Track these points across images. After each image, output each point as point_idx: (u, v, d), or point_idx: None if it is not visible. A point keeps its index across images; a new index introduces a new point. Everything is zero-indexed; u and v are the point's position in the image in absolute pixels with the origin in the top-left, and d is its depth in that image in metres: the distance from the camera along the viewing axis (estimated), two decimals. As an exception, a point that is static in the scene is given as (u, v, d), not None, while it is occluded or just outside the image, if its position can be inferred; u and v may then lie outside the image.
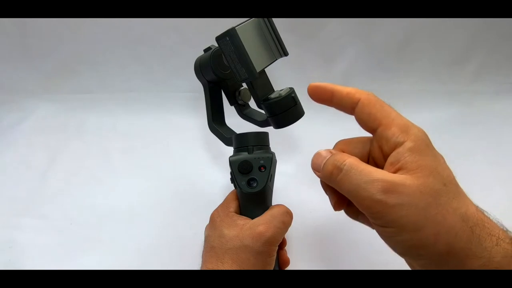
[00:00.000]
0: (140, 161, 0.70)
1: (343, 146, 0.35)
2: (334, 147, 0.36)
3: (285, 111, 0.41)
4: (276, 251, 0.43)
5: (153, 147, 0.73)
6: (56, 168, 0.69)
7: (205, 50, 0.50)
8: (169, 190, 0.65)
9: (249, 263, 0.40)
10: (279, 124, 0.43)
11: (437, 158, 0.30)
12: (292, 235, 0.53)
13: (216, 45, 0.41)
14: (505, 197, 0.62)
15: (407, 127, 0.30)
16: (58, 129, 0.76)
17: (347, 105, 0.33)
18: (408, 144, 0.29)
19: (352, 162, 0.31)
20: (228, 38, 0.38)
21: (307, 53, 0.74)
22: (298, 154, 0.71)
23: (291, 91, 0.42)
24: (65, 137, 0.75)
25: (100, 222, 0.61)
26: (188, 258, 0.56)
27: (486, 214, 0.30)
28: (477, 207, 0.30)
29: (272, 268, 0.43)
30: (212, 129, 0.52)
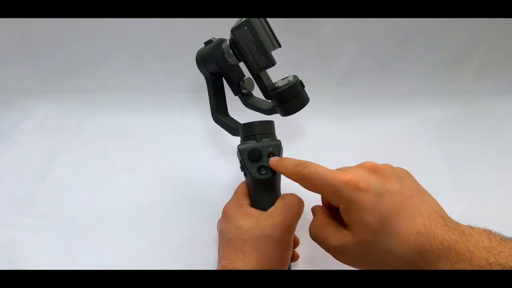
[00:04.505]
0: (140, 161, 0.70)
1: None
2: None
3: (295, 97, 0.43)
4: (293, 238, 0.44)
5: (152, 147, 0.73)
6: (56, 168, 0.69)
7: (206, 43, 0.50)
8: (169, 190, 0.65)
9: (271, 251, 0.41)
10: (288, 112, 0.44)
11: (365, 207, 0.33)
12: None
13: (217, 38, 0.41)
14: (505, 197, 0.62)
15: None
16: (58, 129, 0.76)
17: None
18: (341, 207, 0.35)
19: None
20: (246, 28, 0.40)
21: (306, 53, 0.74)
22: (298, 153, 0.70)
23: (297, 77, 0.43)
24: (65, 137, 0.74)
25: (100, 222, 0.61)
26: (189, 258, 0.56)
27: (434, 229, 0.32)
28: (419, 231, 0.32)
29: (291, 254, 0.45)
30: (217, 120, 0.52)
